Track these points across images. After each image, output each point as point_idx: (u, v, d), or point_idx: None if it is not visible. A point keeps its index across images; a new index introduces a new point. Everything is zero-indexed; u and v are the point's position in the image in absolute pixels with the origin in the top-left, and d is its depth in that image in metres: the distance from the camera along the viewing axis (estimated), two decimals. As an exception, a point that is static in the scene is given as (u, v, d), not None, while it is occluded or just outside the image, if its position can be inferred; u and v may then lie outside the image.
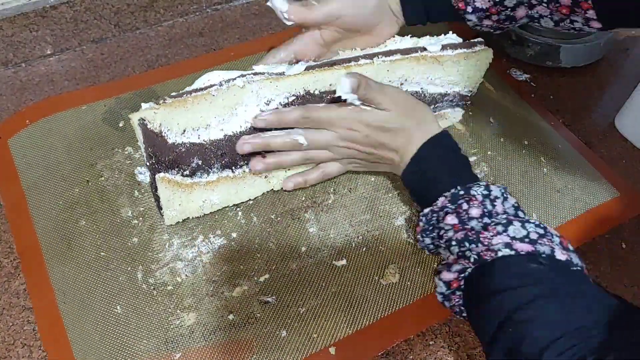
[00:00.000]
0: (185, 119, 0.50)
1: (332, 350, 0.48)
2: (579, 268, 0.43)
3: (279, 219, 0.57)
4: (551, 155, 0.66)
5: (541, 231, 0.44)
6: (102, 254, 0.53)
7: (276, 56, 0.57)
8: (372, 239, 0.56)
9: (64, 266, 0.52)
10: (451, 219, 0.47)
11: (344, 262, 0.54)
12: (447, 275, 0.46)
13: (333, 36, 0.57)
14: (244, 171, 0.55)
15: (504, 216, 0.46)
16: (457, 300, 0.47)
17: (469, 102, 0.65)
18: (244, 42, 0.77)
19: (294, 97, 0.52)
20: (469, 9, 0.55)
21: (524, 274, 0.42)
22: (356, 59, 0.54)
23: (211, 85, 0.50)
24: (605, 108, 0.73)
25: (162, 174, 0.51)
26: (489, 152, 0.65)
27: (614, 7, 0.48)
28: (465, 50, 0.58)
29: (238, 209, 0.57)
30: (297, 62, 0.56)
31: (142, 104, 0.49)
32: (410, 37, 0.59)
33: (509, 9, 0.53)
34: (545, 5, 0.51)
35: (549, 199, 0.61)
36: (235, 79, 0.51)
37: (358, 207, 0.58)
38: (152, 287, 0.51)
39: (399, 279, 0.53)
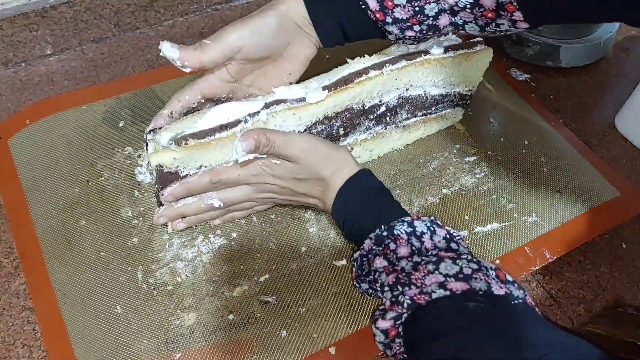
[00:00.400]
0: (205, 158, 0.49)
1: (332, 350, 0.48)
2: (519, 301, 0.42)
3: (279, 219, 0.57)
4: (551, 155, 0.66)
5: (475, 266, 0.43)
6: (102, 254, 0.53)
7: (181, 99, 0.52)
8: None
9: (64, 266, 0.52)
10: (380, 262, 0.46)
11: (344, 262, 0.54)
12: (383, 324, 0.44)
13: (241, 69, 0.51)
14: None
15: (435, 252, 0.45)
16: (397, 347, 0.45)
17: (468, 102, 0.65)
18: (244, 42, 0.77)
19: (312, 124, 0.52)
20: (389, 19, 0.50)
21: (463, 315, 0.40)
22: (366, 71, 0.53)
23: (236, 123, 0.48)
24: (605, 108, 0.73)
25: (169, 205, 0.51)
26: (489, 152, 0.65)
27: (538, 6, 0.45)
28: (466, 50, 0.58)
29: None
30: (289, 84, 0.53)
31: (162, 139, 0.47)
32: (416, 43, 0.58)
33: (431, 18, 0.49)
34: (468, 11, 0.47)
35: (549, 199, 0.61)
36: (259, 112, 0.49)
37: None
38: (152, 287, 0.51)
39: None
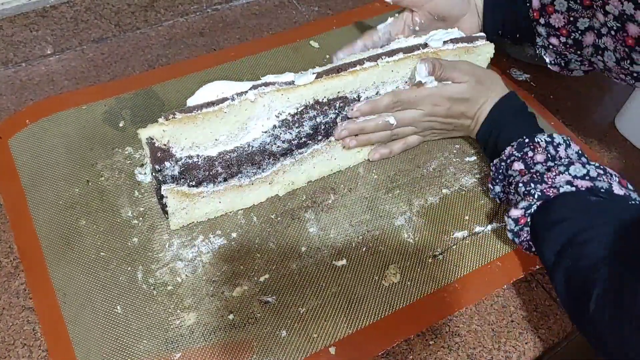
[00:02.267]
0: (194, 135, 0.50)
1: (332, 350, 0.48)
2: (637, 202, 0.47)
3: (279, 218, 0.57)
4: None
5: (600, 171, 0.49)
6: (102, 254, 0.53)
7: (373, 36, 0.64)
8: (372, 239, 0.56)
9: (64, 266, 0.52)
10: (518, 166, 0.52)
11: (344, 262, 0.54)
12: (515, 212, 0.50)
13: (424, 21, 0.63)
14: (250, 180, 0.55)
15: (567, 160, 0.51)
16: (525, 235, 0.51)
17: None
18: (244, 42, 0.77)
19: (303, 107, 0.53)
20: (542, 21, 0.59)
21: (584, 206, 0.47)
22: (361, 62, 0.54)
23: (223, 100, 0.50)
24: (605, 108, 0.73)
25: (169, 185, 0.51)
26: None
27: None
28: (466, 44, 0.59)
29: (238, 209, 0.57)
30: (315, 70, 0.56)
31: (151, 125, 0.49)
32: (414, 36, 0.60)
33: (579, 32, 0.56)
34: (613, 33, 0.52)
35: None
36: (247, 92, 0.50)
37: (358, 207, 0.58)
38: (152, 287, 0.51)
39: (399, 279, 0.53)
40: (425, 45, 0.57)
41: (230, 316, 0.49)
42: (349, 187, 0.60)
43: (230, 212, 0.57)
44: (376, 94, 0.57)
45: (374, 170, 0.62)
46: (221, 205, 0.55)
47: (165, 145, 0.49)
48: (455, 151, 0.65)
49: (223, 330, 0.48)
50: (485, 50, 0.60)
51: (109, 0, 0.72)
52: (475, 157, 0.64)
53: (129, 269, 0.52)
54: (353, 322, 0.50)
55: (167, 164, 0.50)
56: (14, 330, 0.49)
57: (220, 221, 0.56)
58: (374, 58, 0.55)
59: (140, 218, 0.56)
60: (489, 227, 0.58)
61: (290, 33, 0.77)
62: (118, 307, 0.49)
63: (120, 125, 0.64)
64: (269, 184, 0.57)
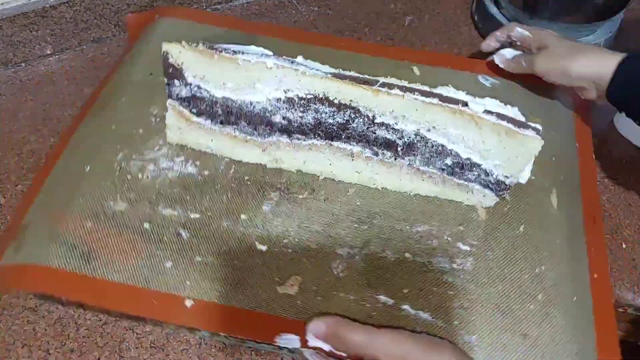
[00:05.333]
0: (207, 70, 0.52)
1: (188, 303, 0.46)
2: None
3: (249, 183, 0.56)
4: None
5: None
6: (112, 126, 0.57)
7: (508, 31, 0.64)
8: (303, 247, 0.52)
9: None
10: None
11: (264, 248, 0.52)
12: None
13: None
14: (246, 136, 0.57)
15: None
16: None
17: (504, 192, 0.54)
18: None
19: (312, 97, 0.52)
20: None
21: None
22: (390, 85, 0.52)
23: (242, 52, 0.52)
24: (605, 108, 0.73)
25: (173, 101, 0.54)
26: (488, 253, 0.54)
27: None
28: (511, 125, 0.51)
29: (226, 156, 0.57)
30: None
31: (174, 43, 0.52)
32: (466, 93, 0.54)
33: None
34: None
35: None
36: (266, 56, 0.52)
37: (318, 217, 0.55)
38: (119, 169, 0.54)
39: (295, 292, 0.48)
40: (466, 104, 0.51)
41: (146, 225, 0.51)
42: (327, 196, 0.57)
43: (218, 155, 0.58)
44: (394, 124, 0.53)
45: (363, 198, 0.57)
46: (212, 144, 0.57)
47: (179, 65, 0.52)
48: (454, 230, 0.54)
49: (137, 233, 0.50)
50: (531, 145, 0.51)
51: (108, 0, 0.72)
52: (469, 249, 0.53)
53: (117, 147, 0.55)
54: (228, 296, 0.48)
55: (176, 82, 0.54)
56: (13, 330, 0.49)
57: (205, 157, 0.57)
58: (407, 89, 0.51)
59: (159, 118, 0.58)
60: (413, 310, 0.48)
61: (392, 50, 0.72)
62: (87, 167, 0.54)
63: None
64: (262, 150, 0.57)
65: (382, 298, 0.47)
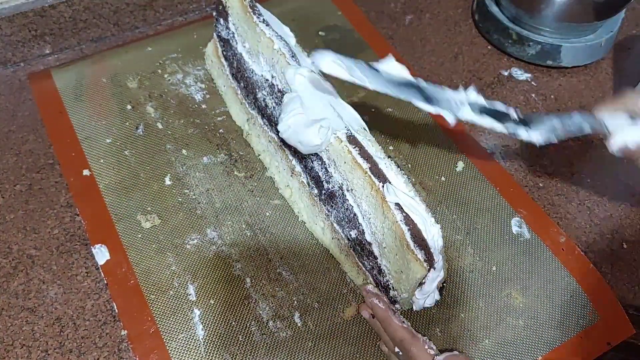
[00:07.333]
0: (240, 24, 0.57)
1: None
2: None
3: (230, 145, 0.63)
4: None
5: None
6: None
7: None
8: (251, 239, 0.55)
9: None
10: None
11: (170, 183, 0.59)
12: None
13: None
14: (242, 98, 0.62)
15: None
16: None
17: (394, 304, 0.49)
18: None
19: (280, 93, 0.54)
20: None
21: None
22: (336, 134, 0.47)
23: (267, 24, 0.54)
24: (606, 107, 0.73)
25: (215, 40, 0.64)
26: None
27: None
28: (409, 236, 0.43)
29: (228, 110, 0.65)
30: None
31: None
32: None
33: None
34: None
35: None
36: (282, 39, 0.53)
37: (228, 191, 0.59)
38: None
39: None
40: (389, 183, 0.45)
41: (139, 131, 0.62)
42: (255, 190, 0.59)
43: (229, 107, 0.65)
44: (328, 165, 0.49)
45: (280, 215, 0.58)
46: (224, 89, 0.65)
47: (226, 11, 0.59)
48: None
49: (132, 141, 0.61)
50: (415, 269, 0.43)
51: (108, -1, 0.72)
52: (439, 331, 0.51)
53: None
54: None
55: (222, 21, 0.60)
56: (12, 330, 0.49)
57: (219, 100, 0.66)
58: (348, 139, 0.47)
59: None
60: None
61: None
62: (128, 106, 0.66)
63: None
64: (247, 119, 0.62)
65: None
